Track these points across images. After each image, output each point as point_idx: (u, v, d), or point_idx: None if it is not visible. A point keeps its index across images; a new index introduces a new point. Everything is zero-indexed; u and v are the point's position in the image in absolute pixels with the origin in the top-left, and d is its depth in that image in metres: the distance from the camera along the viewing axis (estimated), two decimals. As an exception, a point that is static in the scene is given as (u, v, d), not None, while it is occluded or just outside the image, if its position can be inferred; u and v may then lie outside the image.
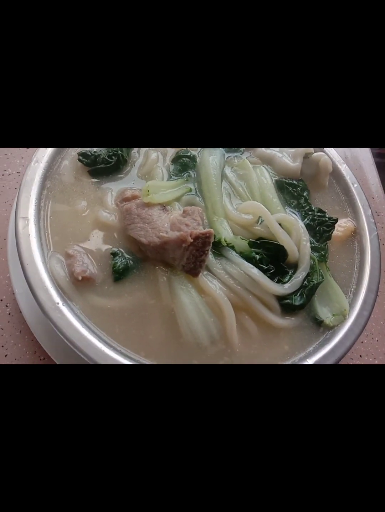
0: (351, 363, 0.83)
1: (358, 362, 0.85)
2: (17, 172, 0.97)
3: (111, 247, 0.70)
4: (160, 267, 0.69)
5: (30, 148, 0.97)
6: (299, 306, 0.71)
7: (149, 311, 0.67)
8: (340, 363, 0.68)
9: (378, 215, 0.81)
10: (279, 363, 0.67)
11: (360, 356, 0.88)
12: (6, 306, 0.81)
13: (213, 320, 0.66)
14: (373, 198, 0.91)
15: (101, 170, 0.77)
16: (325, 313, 0.72)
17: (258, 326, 0.69)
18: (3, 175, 0.95)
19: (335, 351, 0.67)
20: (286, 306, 0.70)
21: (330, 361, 0.66)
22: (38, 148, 0.75)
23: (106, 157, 0.77)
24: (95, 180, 0.77)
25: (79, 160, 0.76)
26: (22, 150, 0.98)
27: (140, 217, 0.71)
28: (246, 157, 0.85)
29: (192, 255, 0.66)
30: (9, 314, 0.80)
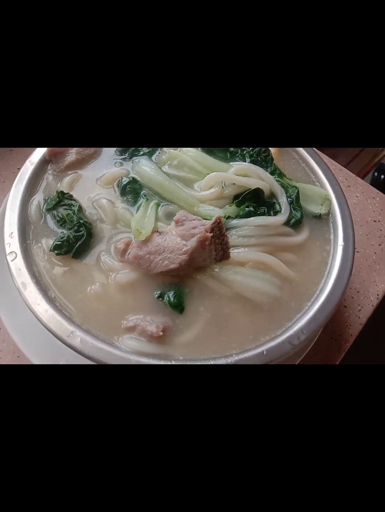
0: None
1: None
2: None
3: (151, 293, 0.72)
4: (199, 274, 0.74)
5: None
6: (300, 217, 0.83)
7: (223, 312, 0.72)
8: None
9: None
10: (327, 259, 0.80)
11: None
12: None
13: (268, 275, 0.75)
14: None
15: (81, 247, 0.75)
16: (317, 208, 0.86)
17: (293, 253, 0.80)
18: None
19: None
20: (294, 224, 0.82)
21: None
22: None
23: (74, 233, 0.75)
24: (83, 259, 0.75)
25: (57, 255, 0.74)
26: None
27: (151, 253, 0.73)
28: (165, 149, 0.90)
29: (217, 245, 0.72)
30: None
